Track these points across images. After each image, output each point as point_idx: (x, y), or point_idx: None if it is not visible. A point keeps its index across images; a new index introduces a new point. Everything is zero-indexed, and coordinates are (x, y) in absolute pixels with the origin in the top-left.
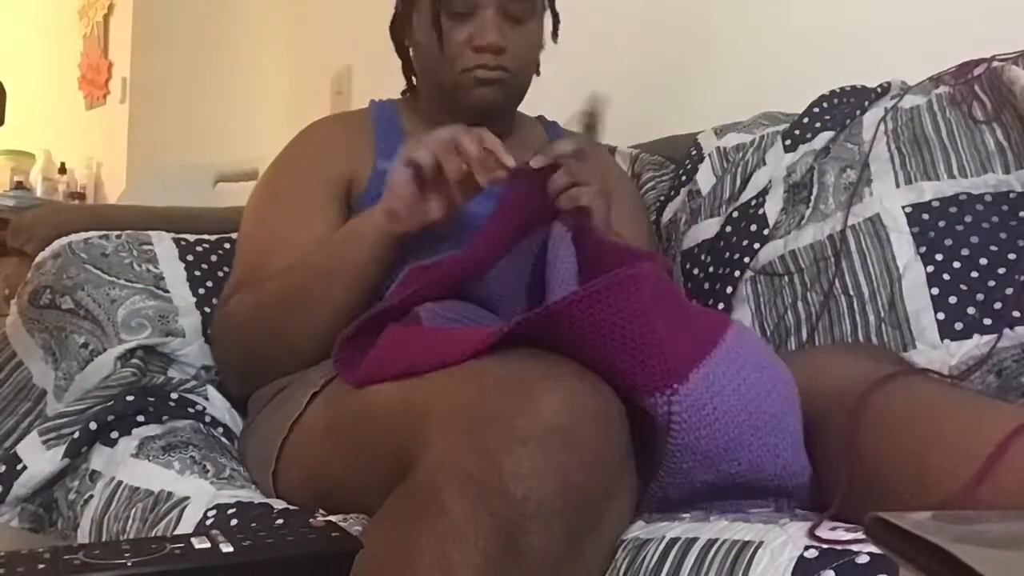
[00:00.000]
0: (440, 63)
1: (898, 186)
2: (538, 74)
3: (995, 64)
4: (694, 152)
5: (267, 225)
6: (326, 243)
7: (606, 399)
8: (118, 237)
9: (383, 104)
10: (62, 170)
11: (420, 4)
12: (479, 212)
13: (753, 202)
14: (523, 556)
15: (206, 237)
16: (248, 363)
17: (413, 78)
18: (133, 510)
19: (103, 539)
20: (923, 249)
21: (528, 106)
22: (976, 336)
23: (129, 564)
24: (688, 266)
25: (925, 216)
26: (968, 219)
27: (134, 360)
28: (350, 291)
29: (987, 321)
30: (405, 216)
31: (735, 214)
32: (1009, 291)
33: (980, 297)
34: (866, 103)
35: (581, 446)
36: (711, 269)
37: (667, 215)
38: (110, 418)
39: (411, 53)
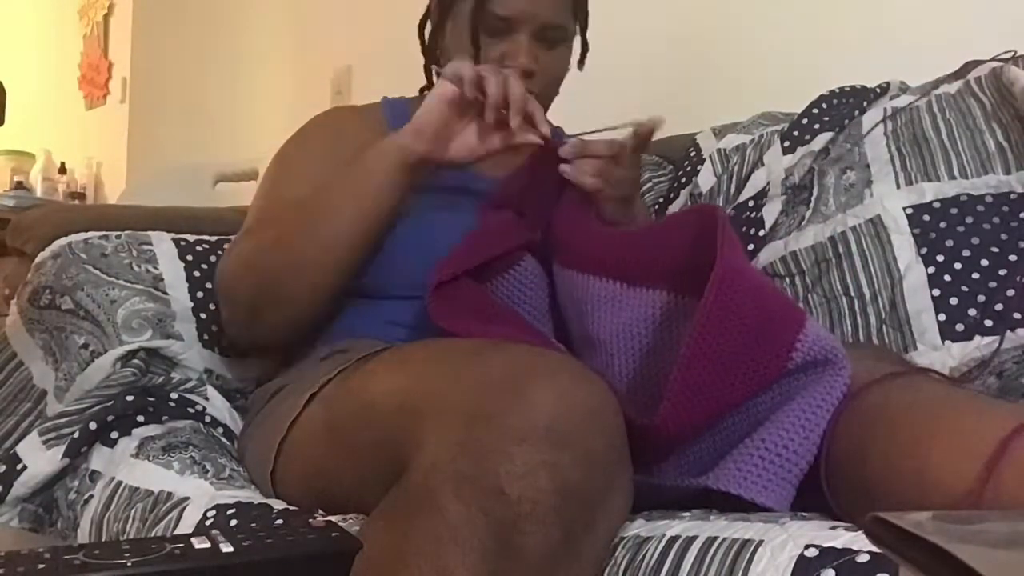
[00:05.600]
0: None
1: (899, 187)
2: None
3: (995, 64)
4: (692, 153)
5: (280, 189)
6: (343, 163)
7: (600, 396)
8: (118, 237)
9: (395, 101)
10: (62, 170)
11: (458, 15)
12: (485, 189)
13: (751, 203)
14: (519, 556)
15: (206, 237)
16: (256, 298)
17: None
18: (133, 510)
19: (103, 539)
20: (924, 250)
21: None
22: (977, 337)
23: (129, 564)
24: None
25: (926, 217)
26: (969, 220)
27: (135, 361)
28: (364, 207)
29: (988, 323)
30: (430, 136)
31: (731, 214)
32: (1010, 293)
33: (981, 299)
34: (865, 103)
35: (575, 444)
36: None
37: None
38: (110, 418)
39: (438, 55)
